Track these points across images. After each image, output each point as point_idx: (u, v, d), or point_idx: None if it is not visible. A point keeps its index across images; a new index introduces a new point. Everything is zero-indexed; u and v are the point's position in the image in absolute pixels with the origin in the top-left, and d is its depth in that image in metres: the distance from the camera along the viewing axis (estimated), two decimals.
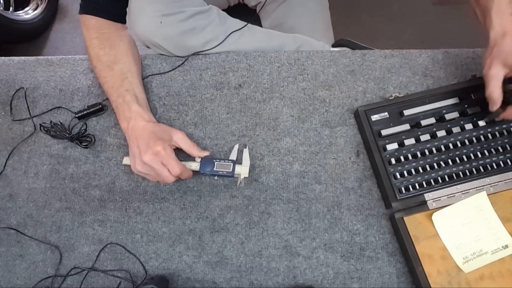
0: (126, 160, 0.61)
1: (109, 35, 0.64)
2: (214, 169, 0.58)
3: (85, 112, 0.66)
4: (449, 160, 0.58)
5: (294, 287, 0.57)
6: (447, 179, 0.57)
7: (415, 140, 0.59)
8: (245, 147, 0.61)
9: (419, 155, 0.58)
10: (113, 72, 0.61)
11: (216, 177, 0.61)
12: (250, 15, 0.92)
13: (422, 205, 0.57)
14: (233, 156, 0.61)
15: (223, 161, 0.59)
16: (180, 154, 0.60)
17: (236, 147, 0.61)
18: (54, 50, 1.56)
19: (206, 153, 0.59)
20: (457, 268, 0.53)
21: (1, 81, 0.71)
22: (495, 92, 0.50)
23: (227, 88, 0.68)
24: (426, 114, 0.60)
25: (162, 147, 0.54)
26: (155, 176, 0.56)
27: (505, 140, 0.59)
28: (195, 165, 0.59)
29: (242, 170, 0.59)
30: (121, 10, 0.66)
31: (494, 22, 0.51)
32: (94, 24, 0.63)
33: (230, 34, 0.71)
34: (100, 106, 0.66)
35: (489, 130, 0.59)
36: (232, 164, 0.59)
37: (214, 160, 0.59)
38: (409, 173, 0.58)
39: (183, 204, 0.62)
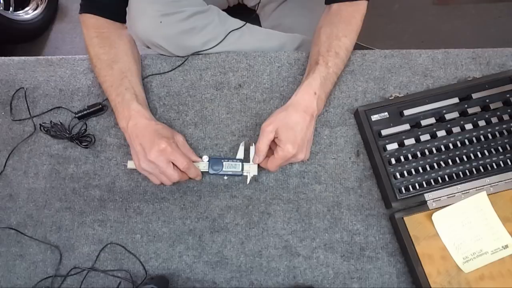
0: (131, 164, 0.60)
1: (109, 34, 0.64)
2: (223, 169, 0.59)
3: (85, 112, 0.66)
4: (449, 160, 0.58)
5: (294, 287, 0.57)
6: (447, 179, 0.57)
7: (415, 140, 0.59)
8: (252, 145, 0.60)
9: (419, 155, 0.58)
10: (112, 71, 0.61)
11: (225, 177, 0.62)
12: (249, 16, 0.92)
13: (422, 205, 0.57)
14: (240, 154, 0.61)
15: (231, 160, 0.59)
16: None
17: (242, 145, 0.61)
18: (54, 50, 1.56)
19: (199, 160, 0.60)
20: (457, 268, 0.53)
21: (1, 81, 0.71)
22: (263, 146, 0.55)
23: (227, 88, 0.68)
24: (426, 114, 0.60)
25: (168, 143, 0.54)
26: (158, 175, 0.56)
27: (505, 140, 0.59)
28: (203, 166, 0.59)
29: (251, 169, 0.59)
30: (121, 9, 0.66)
31: (300, 89, 0.57)
32: (93, 24, 0.63)
33: (229, 32, 0.71)
34: (100, 106, 0.66)
35: (489, 130, 0.59)
36: (240, 163, 0.59)
37: (223, 160, 0.59)
38: (409, 173, 0.58)
39: (183, 204, 0.62)
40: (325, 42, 0.60)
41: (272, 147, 0.57)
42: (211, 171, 0.59)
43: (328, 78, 0.58)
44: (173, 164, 0.55)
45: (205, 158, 0.60)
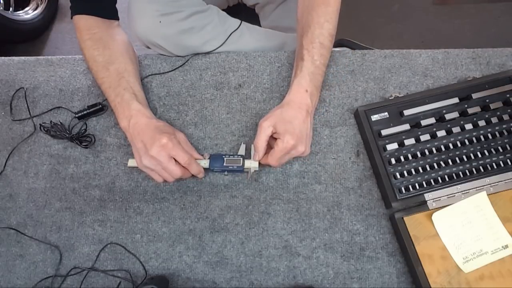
0: (131, 162, 0.60)
1: (100, 35, 0.63)
2: (224, 164, 0.59)
3: (85, 112, 0.66)
4: (449, 160, 0.58)
5: (294, 287, 0.57)
6: (447, 179, 0.57)
7: (415, 140, 0.59)
8: (252, 144, 0.60)
9: (419, 155, 0.58)
10: (109, 72, 0.61)
11: (226, 173, 0.62)
12: (249, 15, 0.93)
13: (422, 205, 0.57)
14: (241, 152, 0.61)
15: (232, 156, 0.59)
16: None
17: (243, 145, 0.61)
18: (54, 50, 1.55)
19: (200, 157, 0.60)
20: (457, 268, 0.53)
21: (1, 81, 0.71)
22: (261, 141, 0.55)
23: (227, 88, 0.68)
24: (426, 114, 0.60)
25: (169, 139, 0.54)
26: (160, 171, 0.55)
27: (505, 140, 0.59)
28: (204, 162, 0.59)
29: (252, 164, 0.59)
30: (109, 5, 0.65)
31: (291, 89, 0.58)
32: (84, 24, 0.63)
33: (230, 35, 0.71)
34: (100, 106, 0.66)
35: (489, 130, 0.59)
36: (241, 158, 0.59)
37: (223, 156, 0.59)
38: (409, 173, 0.58)
39: (183, 204, 0.62)
40: (307, 32, 0.58)
41: (272, 143, 0.57)
42: (211, 167, 0.59)
43: (316, 72, 0.58)
44: (174, 160, 0.55)
45: (206, 155, 0.60)
